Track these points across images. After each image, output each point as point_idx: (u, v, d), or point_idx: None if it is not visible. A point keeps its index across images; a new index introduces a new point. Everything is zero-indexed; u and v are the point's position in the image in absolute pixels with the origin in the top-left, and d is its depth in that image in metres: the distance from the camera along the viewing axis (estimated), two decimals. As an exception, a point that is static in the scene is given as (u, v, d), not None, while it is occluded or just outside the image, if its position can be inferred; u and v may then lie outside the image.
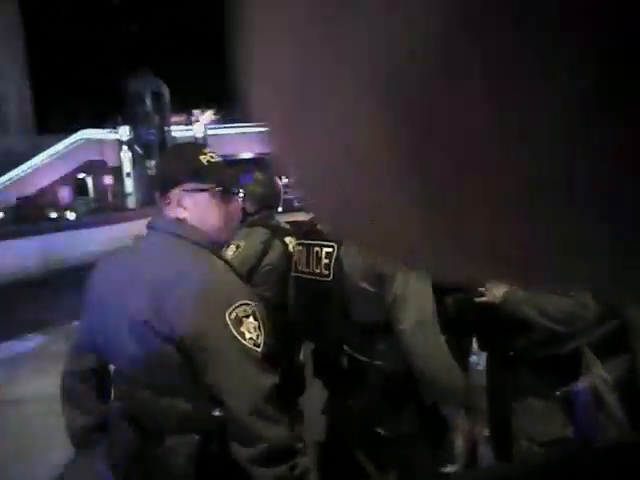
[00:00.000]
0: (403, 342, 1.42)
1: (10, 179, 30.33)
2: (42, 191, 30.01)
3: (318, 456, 1.60)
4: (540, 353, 1.75)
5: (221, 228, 1.34)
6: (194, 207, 1.31)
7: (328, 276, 1.48)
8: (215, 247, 1.33)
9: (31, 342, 5.95)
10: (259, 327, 1.19)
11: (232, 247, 2.22)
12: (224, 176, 1.33)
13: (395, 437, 1.45)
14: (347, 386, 1.49)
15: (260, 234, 2.29)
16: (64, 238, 16.20)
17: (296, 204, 14.48)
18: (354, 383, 1.46)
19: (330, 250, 1.47)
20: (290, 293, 1.77)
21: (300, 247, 1.63)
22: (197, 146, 1.40)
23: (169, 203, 1.33)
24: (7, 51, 44.87)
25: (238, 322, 1.15)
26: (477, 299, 1.81)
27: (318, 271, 1.51)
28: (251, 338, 1.16)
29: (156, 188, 1.37)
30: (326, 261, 1.48)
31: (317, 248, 1.52)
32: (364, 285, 1.44)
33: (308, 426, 2.57)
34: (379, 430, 1.43)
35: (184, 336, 1.15)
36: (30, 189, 28.54)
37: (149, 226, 1.36)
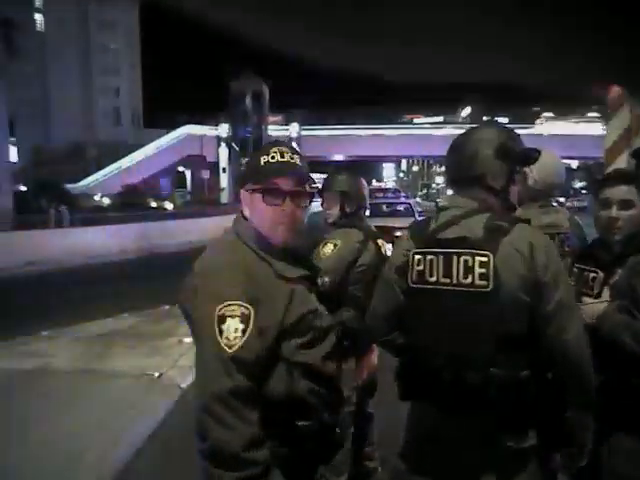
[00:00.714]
0: (570, 351, 1.38)
1: (118, 168, 32.38)
2: (145, 181, 31.88)
3: (397, 469, 1.55)
4: (633, 382, 1.64)
5: (270, 229, 1.33)
6: (250, 206, 1.36)
7: (486, 286, 1.38)
8: (270, 247, 1.32)
9: (125, 321, 6.35)
10: (243, 330, 1.19)
11: (329, 245, 2.31)
12: (272, 177, 1.31)
13: (524, 448, 1.39)
14: (460, 399, 1.42)
15: (355, 235, 2.36)
16: (161, 227, 17.16)
17: (384, 209, 14.23)
18: (476, 395, 1.39)
19: (485, 260, 1.38)
20: (386, 302, 1.57)
21: (431, 256, 1.47)
22: (270, 145, 1.38)
23: (241, 201, 1.41)
24: (125, 52, 49.26)
25: (222, 319, 1.19)
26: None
27: (468, 281, 1.40)
28: (227, 337, 1.18)
29: None
30: (482, 270, 1.38)
31: (467, 257, 1.41)
32: (520, 294, 1.38)
33: (381, 435, 2.55)
34: (509, 443, 1.38)
35: (192, 321, 1.27)
36: (134, 179, 30.40)
37: None
